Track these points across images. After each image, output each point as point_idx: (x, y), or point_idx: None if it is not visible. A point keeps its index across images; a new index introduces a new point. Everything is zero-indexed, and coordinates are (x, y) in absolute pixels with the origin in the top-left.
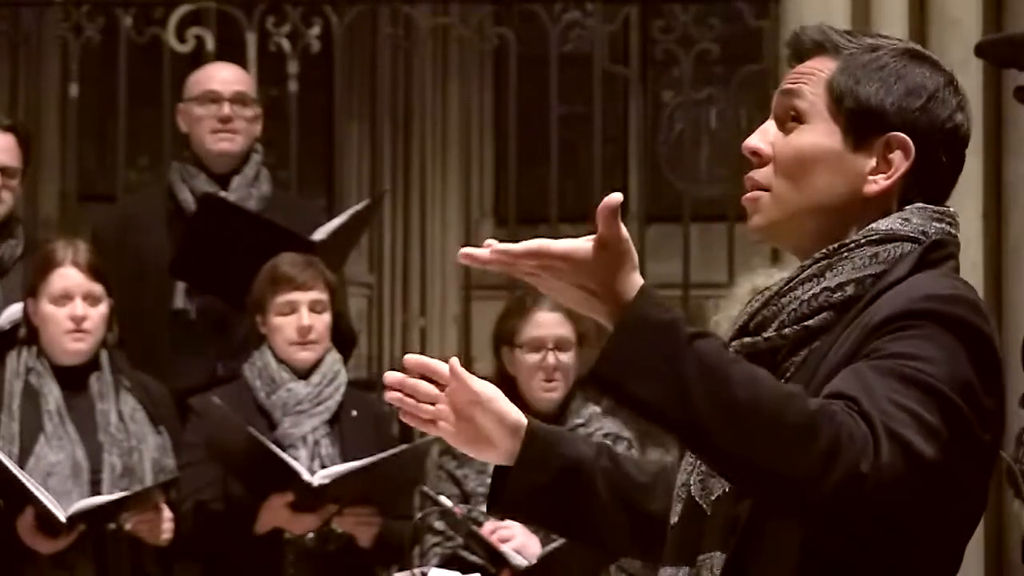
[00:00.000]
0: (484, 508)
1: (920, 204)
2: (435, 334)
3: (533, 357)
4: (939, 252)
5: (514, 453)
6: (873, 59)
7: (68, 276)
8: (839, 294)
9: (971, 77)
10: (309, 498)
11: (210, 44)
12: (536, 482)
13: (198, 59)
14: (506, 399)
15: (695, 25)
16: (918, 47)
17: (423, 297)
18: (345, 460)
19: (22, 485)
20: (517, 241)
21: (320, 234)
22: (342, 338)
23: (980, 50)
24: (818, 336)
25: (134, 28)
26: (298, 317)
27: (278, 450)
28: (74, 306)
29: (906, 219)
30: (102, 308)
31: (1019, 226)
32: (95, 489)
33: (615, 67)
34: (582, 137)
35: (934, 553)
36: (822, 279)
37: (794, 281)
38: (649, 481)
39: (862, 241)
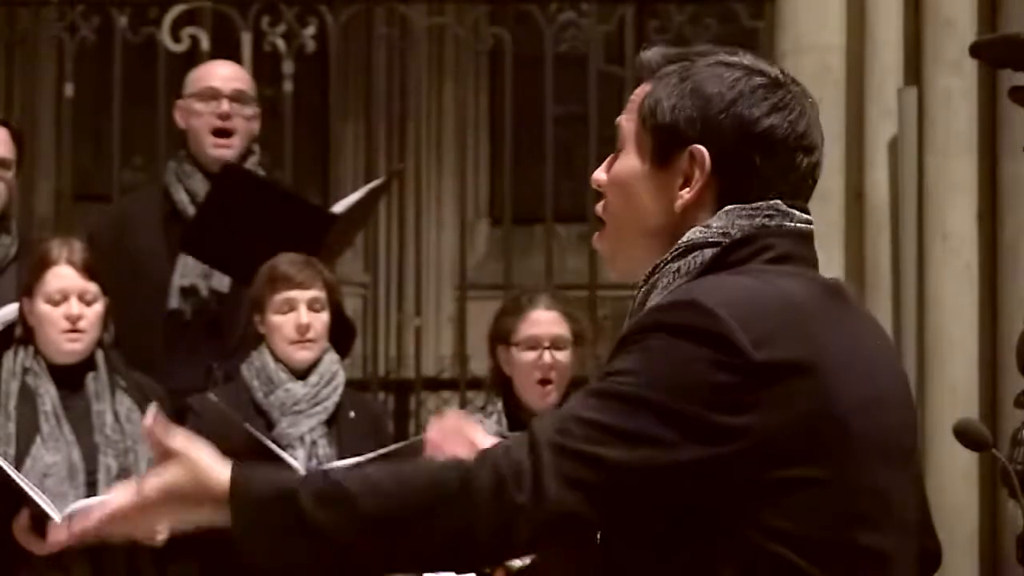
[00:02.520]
0: None
1: (729, 207)
2: (430, 334)
3: (529, 356)
4: (747, 248)
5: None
6: (677, 76)
7: (63, 275)
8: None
9: (966, 77)
10: None
11: (205, 44)
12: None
13: (193, 59)
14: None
15: (690, 25)
16: (740, 56)
17: (418, 297)
18: (342, 460)
19: (18, 487)
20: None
21: (339, 207)
22: (342, 332)
23: (975, 50)
24: None
25: (129, 28)
26: (296, 315)
27: (274, 447)
28: (69, 305)
29: (707, 225)
30: (97, 307)
31: (1014, 226)
32: (91, 490)
33: (610, 67)
34: (577, 137)
35: (684, 551)
36: (647, 303)
37: (635, 306)
38: None
39: (668, 258)
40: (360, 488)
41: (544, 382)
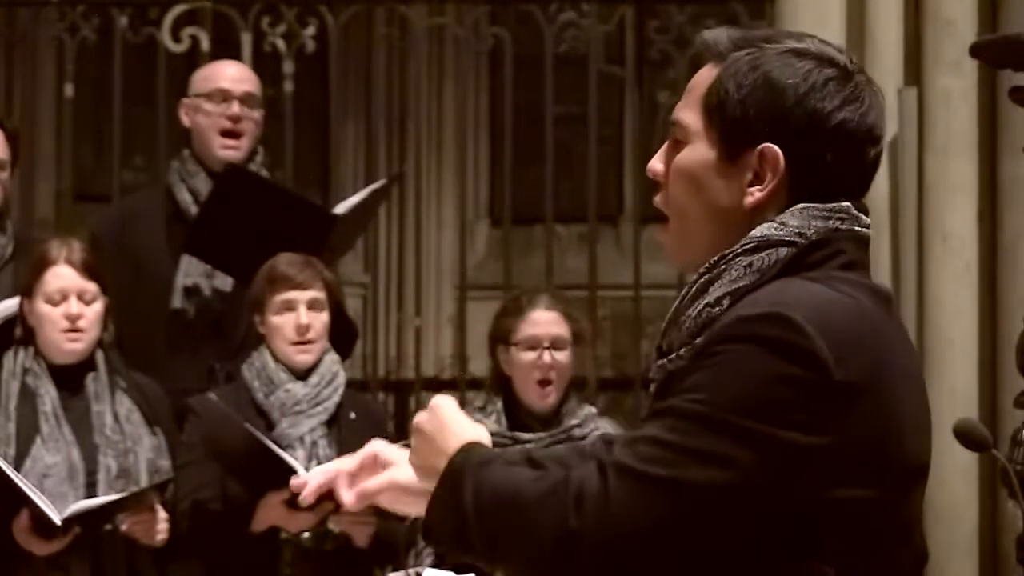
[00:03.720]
0: None
1: (803, 205)
2: (430, 334)
3: (529, 355)
4: (821, 251)
5: None
6: (746, 66)
7: (62, 275)
8: (718, 308)
9: (966, 78)
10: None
11: (205, 44)
12: None
13: (193, 59)
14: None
15: (691, 26)
16: (808, 43)
17: (418, 297)
18: None
19: (18, 488)
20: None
21: (341, 208)
22: (344, 334)
23: (975, 51)
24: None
25: (129, 28)
26: (296, 316)
27: (274, 447)
28: (69, 305)
29: (782, 223)
30: (97, 307)
31: (1014, 227)
32: (91, 491)
33: (611, 67)
34: (577, 137)
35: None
36: (706, 294)
37: (686, 299)
38: None
39: (739, 251)
40: (494, 472)
41: (543, 382)
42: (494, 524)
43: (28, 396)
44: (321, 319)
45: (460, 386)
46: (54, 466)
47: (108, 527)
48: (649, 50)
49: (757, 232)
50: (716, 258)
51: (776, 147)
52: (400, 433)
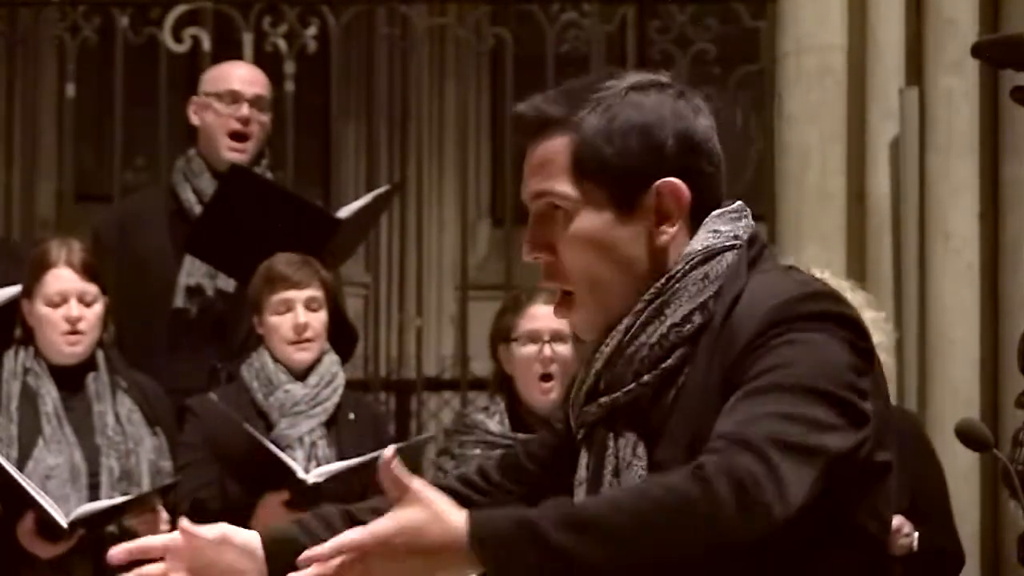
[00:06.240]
0: None
1: (716, 212)
2: (431, 334)
3: (530, 349)
4: (756, 248)
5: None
6: (603, 120)
7: (62, 277)
8: (688, 326)
9: (967, 78)
10: (304, 496)
11: (206, 44)
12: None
13: (194, 59)
14: (234, 528)
15: (692, 26)
16: (631, 76)
17: (419, 297)
18: (341, 461)
19: (23, 490)
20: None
21: (344, 212)
22: (344, 336)
23: (977, 50)
24: (680, 372)
25: (130, 28)
26: (294, 315)
27: (273, 447)
28: (69, 307)
29: (715, 231)
30: (97, 308)
31: (1015, 227)
32: (93, 492)
33: (612, 68)
34: None
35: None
36: (663, 317)
37: (634, 329)
38: None
39: (686, 268)
40: (600, 509)
41: (545, 377)
42: (637, 549)
43: (29, 396)
44: (319, 318)
45: (462, 386)
46: (56, 468)
47: (111, 528)
48: (650, 50)
49: (697, 244)
50: (662, 283)
51: (672, 179)
52: (400, 434)
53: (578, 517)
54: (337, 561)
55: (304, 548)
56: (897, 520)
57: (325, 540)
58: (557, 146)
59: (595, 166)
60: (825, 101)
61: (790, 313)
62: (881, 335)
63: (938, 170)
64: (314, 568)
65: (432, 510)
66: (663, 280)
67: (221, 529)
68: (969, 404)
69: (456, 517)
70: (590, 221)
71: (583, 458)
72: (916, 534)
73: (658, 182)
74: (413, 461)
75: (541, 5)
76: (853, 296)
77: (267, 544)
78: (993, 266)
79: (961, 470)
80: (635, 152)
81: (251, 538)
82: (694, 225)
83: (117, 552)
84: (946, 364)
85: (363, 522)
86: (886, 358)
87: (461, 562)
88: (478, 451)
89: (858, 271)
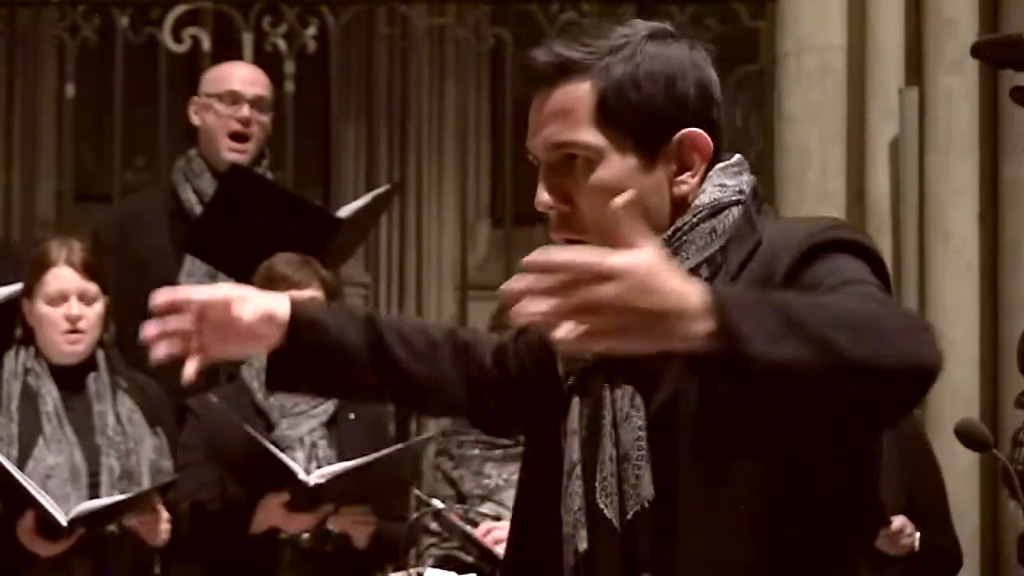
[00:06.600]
0: (479, 509)
1: (719, 165)
2: None
3: None
4: (757, 202)
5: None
6: (628, 67)
7: (62, 276)
8: (695, 278)
9: (967, 77)
10: (305, 497)
11: (206, 44)
12: (295, 361)
13: (195, 59)
14: (261, 293)
15: (691, 25)
16: (647, 24)
17: (419, 297)
18: (342, 462)
19: (23, 489)
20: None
21: (344, 212)
22: None
23: (976, 50)
24: None
25: (130, 28)
26: None
27: (274, 449)
28: (69, 306)
29: (721, 185)
30: (98, 307)
31: (1015, 227)
32: (93, 492)
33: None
34: None
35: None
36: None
37: None
38: (417, 351)
39: (694, 220)
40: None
41: None
42: (878, 331)
43: (30, 396)
44: None
45: None
46: (56, 467)
47: (111, 528)
48: None
49: (704, 198)
50: (669, 234)
51: (695, 130)
52: (400, 434)
53: (816, 305)
54: (558, 280)
55: (326, 332)
56: (899, 520)
57: (345, 340)
58: (580, 92)
59: (620, 113)
60: (825, 101)
61: (823, 240)
62: None
63: (938, 170)
64: (534, 279)
65: (666, 261)
66: (670, 232)
67: (246, 292)
68: (969, 404)
69: (683, 278)
70: (614, 170)
71: (575, 407)
72: (917, 534)
73: (683, 131)
74: (411, 461)
75: (541, 5)
76: None
77: (292, 319)
78: (993, 266)
79: (961, 470)
80: (661, 100)
81: (283, 309)
82: (705, 175)
83: (160, 299)
84: (946, 364)
85: (389, 344)
86: None
87: (690, 320)
88: (477, 451)
89: None
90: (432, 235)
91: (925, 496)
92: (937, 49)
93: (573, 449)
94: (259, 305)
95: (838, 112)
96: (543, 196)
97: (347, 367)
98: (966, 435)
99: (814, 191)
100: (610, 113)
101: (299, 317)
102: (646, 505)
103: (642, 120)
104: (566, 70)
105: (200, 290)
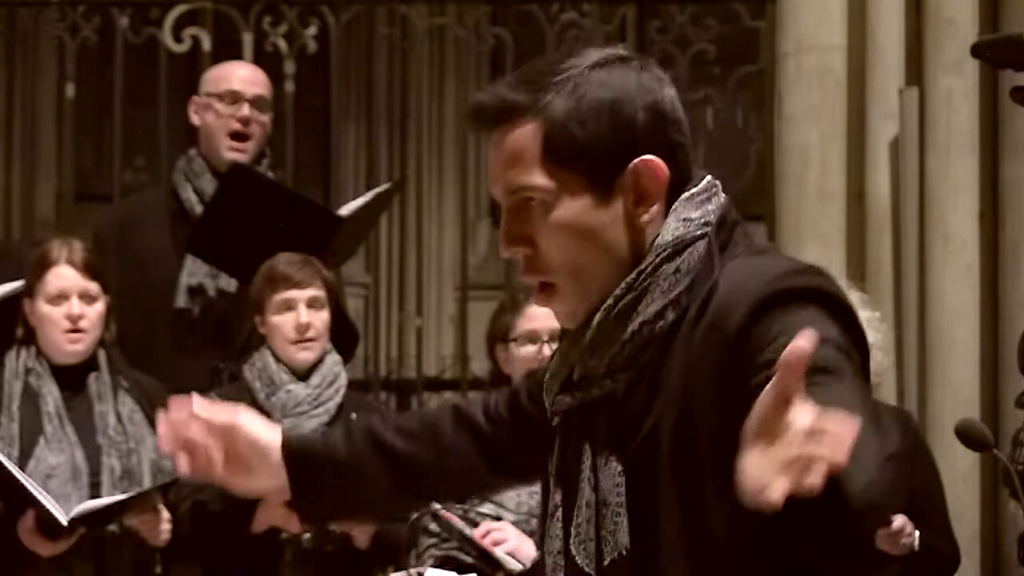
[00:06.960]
0: (479, 509)
1: (686, 194)
2: (431, 334)
3: (528, 349)
4: (725, 232)
5: (278, 477)
6: (570, 102)
7: (64, 275)
8: (661, 322)
9: (967, 78)
10: None
11: (206, 44)
12: (311, 493)
13: (195, 59)
14: (250, 419)
15: (691, 26)
16: (591, 52)
17: (419, 297)
18: None
19: (24, 488)
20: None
21: (346, 210)
22: (345, 337)
23: (976, 51)
24: (654, 366)
25: (130, 28)
26: (296, 315)
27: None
28: (70, 305)
29: (685, 219)
30: (99, 306)
31: (1015, 227)
32: (94, 492)
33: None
34: None
35: None
36: (636, 314)
37: (607, 323)
38: (415, 434)
39: (657, 261)
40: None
41: None
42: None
43: (31, 396)
44: (321, 317)
45: (462, 386)
46: (58, 467)
47: (112, 527)
48: (650, 50)
49: (667, 235)
50: (632, 277)
51: (648, 157)
52: None
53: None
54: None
55: (323, 461)
56: (899, 520)
57: (343, 453)
58: (526, 134)
59: (568, 151)
60: (825, 101)
61: (780, 289)
62: (875, 334)
63: (938, 170)
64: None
65: None
66: (633, 275)
67: (235, 417)
68: (969, 404)
69: None
70: (569, 209)
71: (557, 447)
72: (917, 533)
73: (635, 160)
74: None
75: (541, 5)
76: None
77: (287, 448)
78: (993, 266)
79: (961, 470)
80: (607, 131)
81: (266, 438)
82: (671, 202)
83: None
84: (946, 364)
85: (387, 441)
86: (882, 357)
87: None
88: None
89: (858, 271)
90: (432, 234)
91: (923, 496)
92: (937, 49)
93: (556, 490)
94: (249, 435)
95: (838, 112)
96: (507, 242)
97: (358, 482)
98: (966, 435)
99: (814, 191)
100: (557, 153)
101: (291, 452)
102: (624, 552)
103: (590, 155)
104: (511, 113)
105: (205, 407)
